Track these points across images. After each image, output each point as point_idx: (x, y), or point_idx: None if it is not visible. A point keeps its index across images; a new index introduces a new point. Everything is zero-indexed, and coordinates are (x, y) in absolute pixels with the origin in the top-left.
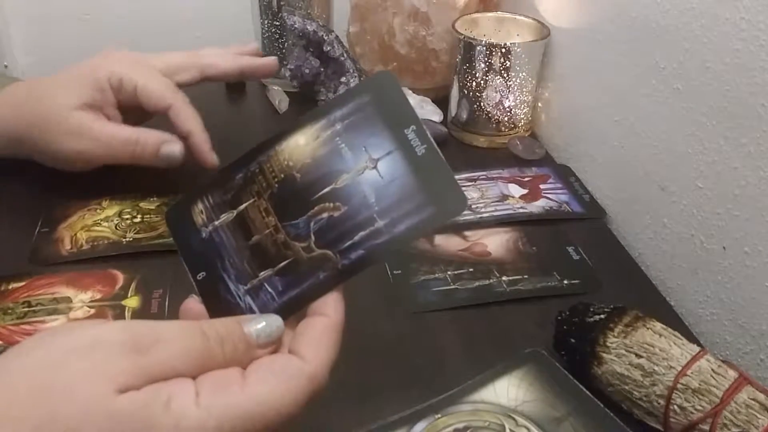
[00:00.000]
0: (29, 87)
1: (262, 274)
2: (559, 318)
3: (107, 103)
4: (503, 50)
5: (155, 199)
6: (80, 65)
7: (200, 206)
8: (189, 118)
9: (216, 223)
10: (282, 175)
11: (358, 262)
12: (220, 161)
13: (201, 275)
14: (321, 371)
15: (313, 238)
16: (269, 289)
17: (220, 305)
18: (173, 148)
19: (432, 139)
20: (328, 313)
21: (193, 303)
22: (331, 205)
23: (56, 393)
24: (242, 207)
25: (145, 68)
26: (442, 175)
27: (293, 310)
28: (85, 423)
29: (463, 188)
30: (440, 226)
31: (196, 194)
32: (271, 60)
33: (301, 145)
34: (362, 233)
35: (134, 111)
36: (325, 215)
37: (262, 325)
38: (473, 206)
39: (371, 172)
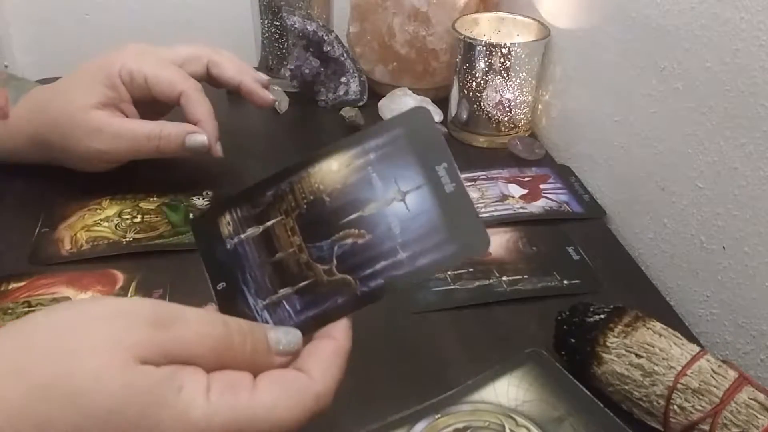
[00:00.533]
0: (48, 90)
1: (282, 291)
2: (559, 318)
3: (122, 99)
4: (503, 50)
5: (155, 199)
6: (94, 62)
7: (228, 218)
8: (198, 105)
9: (242, 236)
10: (312, 197)
11: (376, 290)
12: (219, 162)
13: (221, 285)
14: (327, 392)
15: (335, 262)
16: (287, 307)
17: (237, 317)
18: (198, 138)
19: (461, 178)
20: (337, 336)
21: (211, 310)
22: (357, 231)
23: (73, 354)
24: (269, 224)
25: (154, 58)
26: (467, 214)
27: (310, 330)
28: (97, 387)
29: None
30: (460, 262)
31: (225, 205)
32: (268, 96)
33: (333, 170)
34: (384, 263)
35: (149, 106)
36: (349, 241)
37: (283, 334)
38: None
39: (399, 204)
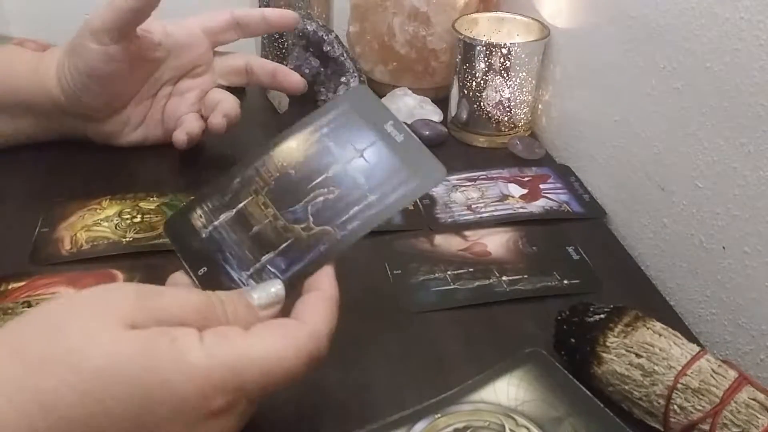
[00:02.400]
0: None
1: (264, 257)
2: (559, 318)
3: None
4: (503, 50)
5: (155, 199)
6: None
7: (199, 212)
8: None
9: (215, 223)
10: (278, 174)
11: (355, 231)
12: (220, 162)
13: (202, 270)
14: (319, 332)
15: (311, 219)
16: (272, 270)
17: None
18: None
19: (408, 129)
20: (322, 287)
21: (180, 275)
22: (326, 189)
23: (66, 326)
24: (241, 205)
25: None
26: (421, 154)
27: (299, 283)
28: (91, 345)
29: (463, 188)
30: (425, 193)
31: (194, 202)
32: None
33: (293, 148)
34: (356, 208)
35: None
36: (320, 199)
37: (261, 289)
38: (473, 206)
39: (359, 160)
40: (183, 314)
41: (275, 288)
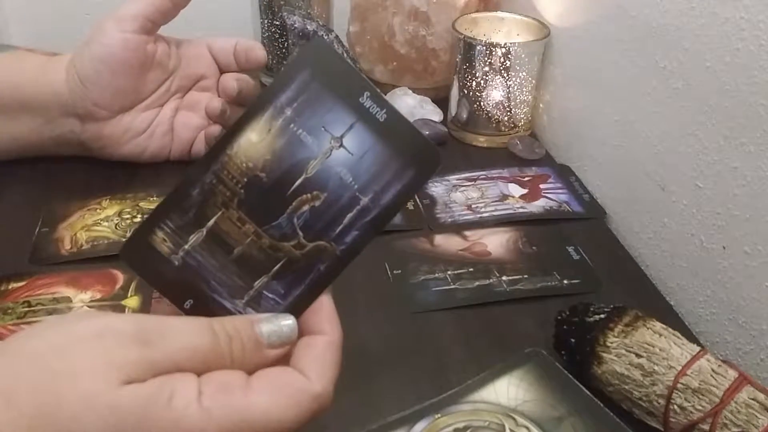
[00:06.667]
0: None
1: (257, 282)
2: (559, 318)
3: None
4: (503, 50)
5: (155, 198)
6: None
7: (160, 234)
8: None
9: (186, 246)
10: (245, 179)
11: (355, 243)
12: None
13: (188, 303)
14: (326, 391)
15: (300, 233)
16: (270, 295)
17: None
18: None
19: (389, 102)
20: (326, 331)
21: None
22: (309, 195)
23: (61, 379)
24: (211, 223)
25: None
26: (410, 136)
27: (302, 308)
28: (87, 412)
29: (463, 188)
30: (424, 185)
31: (150, 223)
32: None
33: (255, 143)
34: (350, 215)
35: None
36: (306, 207)
37: (273, 324)
38: (473, 206)
39: (339, 151)
40: (184, 360)
41: (287, 326)
